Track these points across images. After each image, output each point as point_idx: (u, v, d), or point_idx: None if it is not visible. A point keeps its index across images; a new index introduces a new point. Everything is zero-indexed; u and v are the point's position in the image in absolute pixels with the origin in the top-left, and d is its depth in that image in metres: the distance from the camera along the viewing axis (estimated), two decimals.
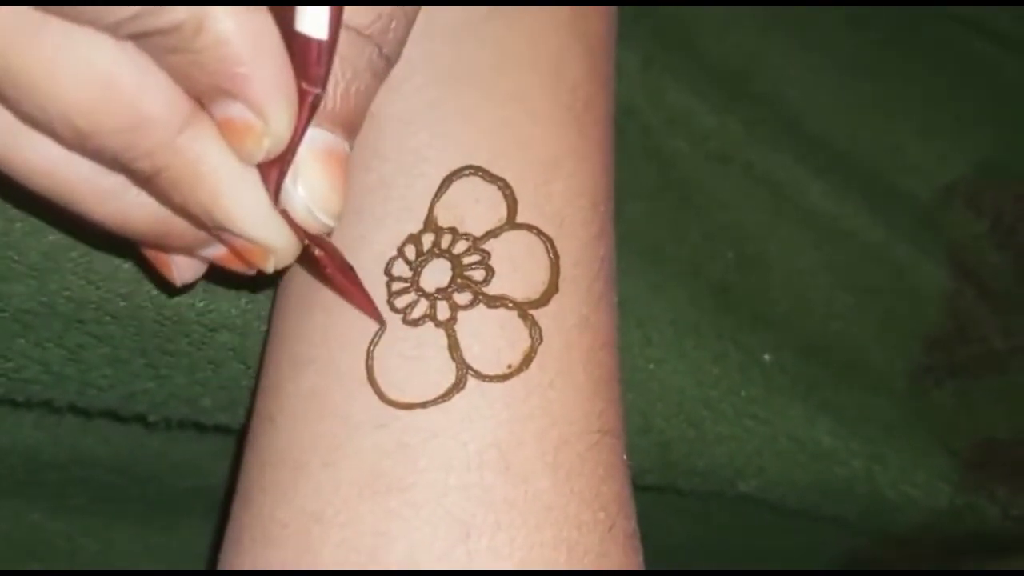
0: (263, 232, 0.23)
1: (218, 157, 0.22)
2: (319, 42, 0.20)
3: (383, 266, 0.26)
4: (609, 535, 0.26)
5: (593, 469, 0.26)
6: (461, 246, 0.27)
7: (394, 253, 0.27)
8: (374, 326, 0.26)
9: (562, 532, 0.25)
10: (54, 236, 0.31)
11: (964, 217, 0.47)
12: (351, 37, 0.22)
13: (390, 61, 0.23)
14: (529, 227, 0.27)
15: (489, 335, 0.26)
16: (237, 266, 0.24)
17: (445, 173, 0.27)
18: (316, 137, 0.22)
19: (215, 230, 0.23)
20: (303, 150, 0.22)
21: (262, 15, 0.20)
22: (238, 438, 0.36)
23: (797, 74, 0.45)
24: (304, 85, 0.21)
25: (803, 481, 0.41)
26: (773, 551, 0.48)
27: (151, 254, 0.25)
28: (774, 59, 0.45)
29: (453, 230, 0.27)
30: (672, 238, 0.41)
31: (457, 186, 0.27)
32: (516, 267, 0.26)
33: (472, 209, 0.27)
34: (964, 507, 0.44)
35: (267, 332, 0.30)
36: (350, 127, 0.23)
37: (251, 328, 0.32)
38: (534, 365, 0.26)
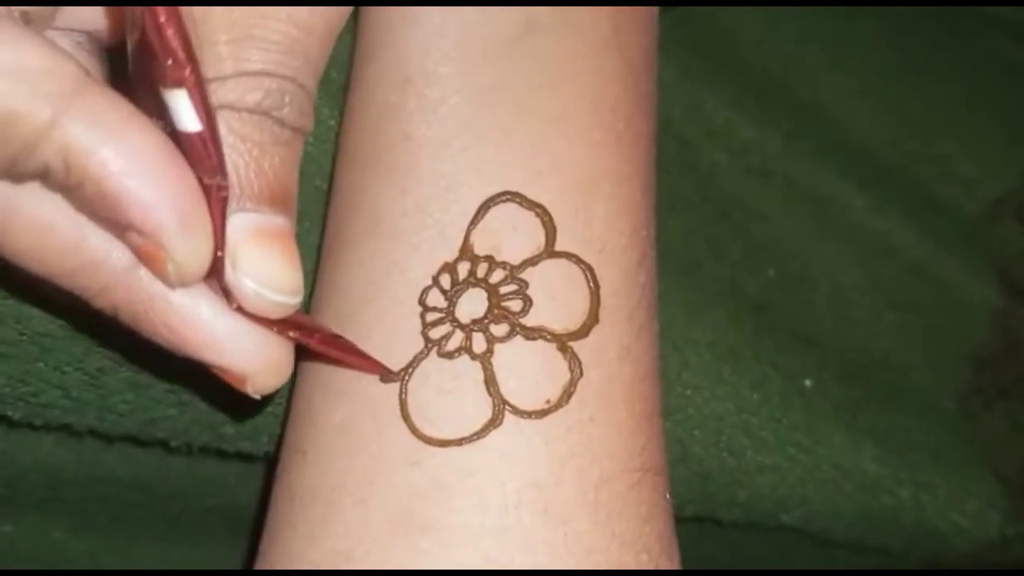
0: (232, 353, 0.22)
1: (166, 288, 0.21)
2: (198, 134, 0.20)
3: (417, 295, 0.25)
4: None
5: (635, 509, 0.25)
6: (498, 275, 0.25)
7: (429, 282, 0.25)
8: (408, 358, 0.25)
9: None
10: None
11: (1014, 231, 0.45)
12: (245, 118, 0.22)
13: (301, 128, 0.23)
14: (568, 255, 0.25)
15: (527, 368, 0.25)
16: None
17: (481, 199, 0.26)
18: (242, 221, 0.22)
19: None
20: (232, 238, 0.21)
21: (135, 133, 0.20)
22: (265, 464, 0.35)
23: (838, 84, 0.44)
24: (205, 179, 0.20)
25: (848, 512, 0.39)
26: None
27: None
28: (815, 68, 0.43)
29: (490, 258, 0.25)
30: (711, 255, 0.39)
31: (494, 212, 0.26)
32: (555, 297, 0.25)
33: (509, 236, 0.25)
34: (1015, 537, 0.42)
35: (296, 359, 0.29)
36: (277, 200, 0.22)
37: None
38: (574, 400, 0.25)
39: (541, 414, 0.24)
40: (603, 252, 0.26)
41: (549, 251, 0.25)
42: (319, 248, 0.30)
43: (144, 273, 0.21)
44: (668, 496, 0.26)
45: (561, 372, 0.25)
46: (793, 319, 0.40)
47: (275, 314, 0.22)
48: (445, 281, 0.25)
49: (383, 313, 0.26)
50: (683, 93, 0.39)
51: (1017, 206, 0.46)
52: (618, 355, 0.25)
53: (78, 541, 0.41)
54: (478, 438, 0.24)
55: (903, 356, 0.42)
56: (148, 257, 0.21)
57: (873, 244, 0.42)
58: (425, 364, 0.25)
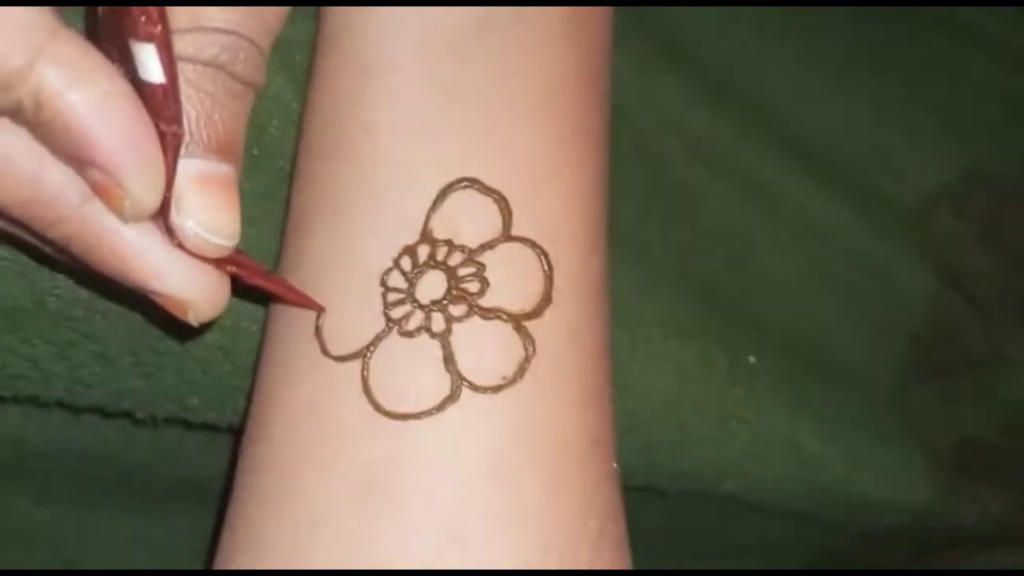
0: (175, 284, 0.24)
1: (118, 222, 0.23)
2: (161, 85, 0.22)
3: (378, 277, 0.26)
4: (600, 542, 0.26)
5: (584, 479, 0.26)
6: (456, 258, 0.27)
7: (389, 265, 0.27)
8: (369, 336, 0.26)
9: (553, 541, 0.25)
10: None
11: (950, 221, 0.47)
12: (200, 70, 0.23)
13: (252, 82, 0.25)
14: (524, 240, 0.27)
15: (484, 347, 0.26)
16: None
17: (440, 185, 0.27)
18: (190, 167, 0.23)
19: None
20: (180, 182, 0.23)
21: (104, 80, 0.21)
22: (231, 435, 0.36)
23: (787, 76, 0.45)
24: (162, 126, 0.22)
25: (786, 483, 0.42)
26: (751, 546, 0.48)
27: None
28: (765, 60, 0.45)
29: (449, 242, 0.27)
30: (661, 239, 0.41)
31: (453, 198, 0.27)
32: (511, 279, 0.27)
33: (467, 221, 0.27)
34: (944, 509, 0.45)
35: (261, 335, 0.30)
36: (224, 150, 0.24)
37: (241, 329, 0.32)
38: (527, 376, 0.26)
39: (496, 390, 0.26)
40: (558, 237, 0.27)
41: (506, 235, 0.27)
42: (282, 229, 0.31)
43: (98, 206, 0.23)
44: (616, 466, 0.28)
45: (516, 350, 0.26)
46: (739, 300, 0.42)
47: (212, 254, 0.24)
48: (406, 264, 0.27)
49: (346, 294, 0.27)
50: (637, 84, 0.41)
51: (953, 200, 0.48)
52: (570, 334, 0.27)
53: (43, 510, 0.41)
54: (437, 412, 0.25)
55: (842, 338, 0.45)
56: (105, 192, 0.22)
57: (815, 230, 0.44)
58: (386, 342, 0.26)
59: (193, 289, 0.24)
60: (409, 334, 0.26)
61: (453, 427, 0.25)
